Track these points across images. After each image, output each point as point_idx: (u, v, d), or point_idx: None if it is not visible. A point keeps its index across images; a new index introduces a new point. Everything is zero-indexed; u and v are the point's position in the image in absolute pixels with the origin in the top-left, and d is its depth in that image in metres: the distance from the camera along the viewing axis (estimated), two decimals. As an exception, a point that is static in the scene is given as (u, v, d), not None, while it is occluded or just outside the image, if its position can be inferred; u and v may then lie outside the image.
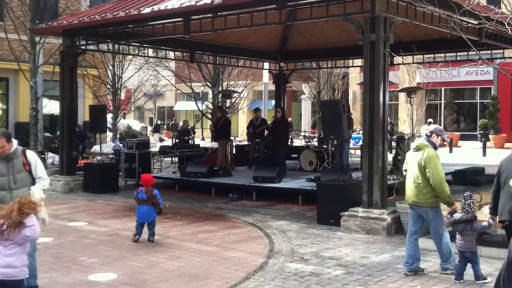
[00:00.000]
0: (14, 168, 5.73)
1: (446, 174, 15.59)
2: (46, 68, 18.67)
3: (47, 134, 20.80)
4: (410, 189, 6.96)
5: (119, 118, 25.72)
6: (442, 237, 6.87)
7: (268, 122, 17.65)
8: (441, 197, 6.75)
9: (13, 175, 5.71)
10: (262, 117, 18.54)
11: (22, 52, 19.34)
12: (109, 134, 26.03)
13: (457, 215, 6.57)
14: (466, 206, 6.56)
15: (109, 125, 22.62)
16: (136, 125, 37.11)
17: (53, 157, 17.40)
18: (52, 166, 16.23)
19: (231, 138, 18.24)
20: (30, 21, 17.55)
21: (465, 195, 6.67)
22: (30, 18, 17.72)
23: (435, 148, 6.94)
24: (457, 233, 6.59)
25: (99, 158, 15.59)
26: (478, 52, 8.00)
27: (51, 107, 23.17)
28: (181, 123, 31.00)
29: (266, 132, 17.29)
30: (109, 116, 23.16)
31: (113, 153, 17.80)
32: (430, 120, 21.31)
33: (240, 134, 32.36)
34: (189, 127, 23.69)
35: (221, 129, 16.89)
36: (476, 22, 9.74)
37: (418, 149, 6.92)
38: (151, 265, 7.32)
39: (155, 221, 8.75)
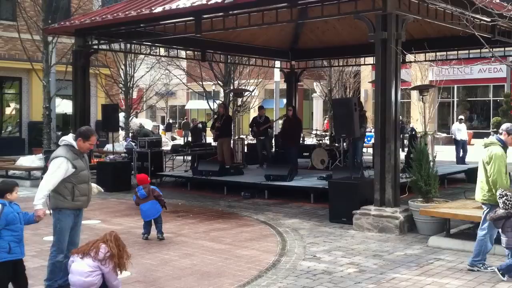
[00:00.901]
0: (87, 163, 6.32)
1: (459, 172, 15.68)
2: (58, 67, 18.81)
3: (60, 133, 20.91)
4: (476, 186, 6.97)
5: (131, 117, 25.83)
6: (481, 233, 6.87)
7: (275, 120, 17.61)
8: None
9: (88, 169, 6.33)
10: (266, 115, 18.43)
11: (35, 51, 19.49)
12: (122, 133, 26.16)
13: (499, 211, 6.49)
14: (502, 204, 6.46)
15: (121, 124, 22.72)
16: (148, 124, 37.27)
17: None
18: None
19: (242, 136, 18.22)
20: (43, 21, 17.68)
21: (499, 193, 6.54)
22: (43, 18, 17.85)
23: (505, 146, 6.83)
24: (500, 231, 6.55)
25: (111, 156, 15.66)
26: (491, 49, 7.97)
27: (64, 106, 23.34)
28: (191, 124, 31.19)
29: (269, 130, 17.26)
30: (121, 115, 23.26)
31: (126, 152, 17.88)
32: (461, 117, 21.18)
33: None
34: (199, 124, 23.81)
35: (224, 127, 16.72)
36: (489, 19, 9.67)
37: (485, 146, 6.88)
38: (164, 262, 7.35)
39: (161, 217, 8.78)
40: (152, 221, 8.77)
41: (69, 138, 6.16)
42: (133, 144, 18.30)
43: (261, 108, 18.19)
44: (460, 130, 19.26)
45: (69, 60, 16.97)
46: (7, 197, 5.59)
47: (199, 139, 22.12)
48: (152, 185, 9.22)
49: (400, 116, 11.58)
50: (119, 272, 5.65)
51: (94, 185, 6.53)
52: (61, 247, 6.14)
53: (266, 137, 17.27)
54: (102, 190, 6.76)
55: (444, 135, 32.37)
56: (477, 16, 7.93)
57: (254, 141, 18.74)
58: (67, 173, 5.98)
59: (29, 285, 6.35)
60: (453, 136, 19.59)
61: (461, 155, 18.69)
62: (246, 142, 19.44)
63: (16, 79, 24.75)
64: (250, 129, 17.62)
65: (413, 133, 23.80)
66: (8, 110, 25.78)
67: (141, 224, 8.92)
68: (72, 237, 6.24)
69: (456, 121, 20.97)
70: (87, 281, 5.44)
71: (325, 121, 35.12)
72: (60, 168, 5.94)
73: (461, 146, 18.79)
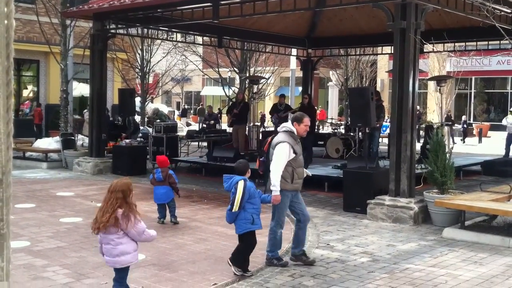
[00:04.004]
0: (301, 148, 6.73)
1: (475, 164, 15.60)
2: (76, 51, 18.90)
3: (77, 116, 21.08)
4: None
5: (147, 102, 25.93)
6: None
7: (293, 108, 17.57)
8: None
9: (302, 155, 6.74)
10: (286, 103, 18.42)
11: (53, 35, 19.58)
12: (137, 118, 26.29)
13: None
14: None
15: (137, 108, 22.85)
16: (164, 110, 37.40)
17: (82, 139, 17.68)
18: (82, 148, 16.49)
19: (257, 123, 18.22)
20: (61, 4, 17.74)
21: None
22: (61, 2, 17.90)
23: None
24: None
25: (127, 141, 15.77)
26: (511, 41, 7.88)
27: (80, 89, 23.49)
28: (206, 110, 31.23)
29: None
30: (137, 100, 23.37)
31: (141, 137, 17.98)
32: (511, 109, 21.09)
33: (267, 121, 32.35)
34: (212, 112, 23.83)
35: (241, 113, 16.65)
36: (509, 10, 9.58)
37: None
38: (178, 247, 7.42)
39: (174, 202, 8.85)
40: (166, 205, 8.84)
41: (290, 125, 6.66)
42: (149, 129, 18.39)
43: (282, 96, 18.16)
44: None
45: (86, 44, 17.05)
46: (247, 174, 6.33)
47: (214, 125, 22.15)
48: (170, 170, 9.24)
49: (418, 107, 11.51)
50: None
51: (304, 170, 6.85)
52: (280, 223, 6.67)
53: None
54: (310, 175, 7.10)
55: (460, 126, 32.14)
56: (498, 6, 7.86)
57: (272, 129, 18.74)
58: (289, 157, 6.44)
59: (46, 266, 6.47)
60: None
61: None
62: (261, 130, 19.45)
63: (34, 61, 24.93)
64: (271, 116, 17.60)
65: (465, 126, 23.67)
66: (25, 93, 26.01)
67: (155, 209, 8.99)
68: (303, 211, 6.75)
69: (509, 114, 20.40)
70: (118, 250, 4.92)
71: (318, 111, 34.20)
72: (284, 152, 6.42)
73: None
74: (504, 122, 19.64)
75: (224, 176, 6.46)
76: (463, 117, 30.87)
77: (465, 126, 29.44)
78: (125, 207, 4.79)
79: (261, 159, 7.06)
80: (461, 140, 28.36)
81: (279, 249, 6.74)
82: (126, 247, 4.83)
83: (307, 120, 6.67)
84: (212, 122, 21.52)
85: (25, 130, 21.96)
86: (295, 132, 6.59)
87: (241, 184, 6.13)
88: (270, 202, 6.48)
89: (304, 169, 6.86)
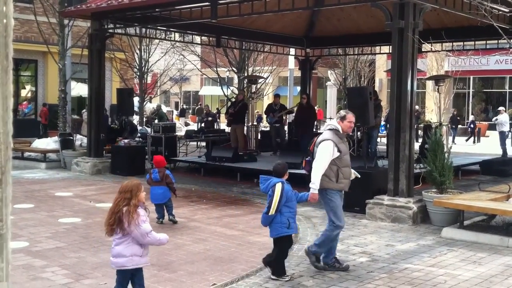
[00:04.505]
0: (347, 148, 6.65)
1: (473, 164, 15.60)
2: (74, 51, 18.88)
3: (75, 116, 21.05)
4: None
5: (145, 101, 25.91)
6: None
7: (288, 108, 17.61)
8: None
9: (348, 154, 6.64)
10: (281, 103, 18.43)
11: (51, 34, 19.56)
12: (136, 118, 26.27)
13: None
14: None
15: (135, 108, 22.83)
16: (162, 109, 37.33)
17: (81, 139, 17.66)
18: (80, 148, 16.46)
19: (255, 123, 18.24)
20: (59, 4, 17.71)
21: None
22: (59, 1, 17.88)
23: None
24: None
25: (126, 141, 15.76)
26: (509, 40, 7.88)
27: (79, 89, 23.46)
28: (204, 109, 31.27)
29: (285, 117, 17.26)
30: (136, 100, 23.34)
31: (140, 137, 17.97)
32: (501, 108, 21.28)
33: (263, 121, 32.35)
34: (208, 118, 23.85)
35: (239, 113, 16.67)
36: (507, 10, 9.58)
37: None
38: (177, 247, 7.41)
39: (171, 201, 8.83)
40: (163, 205, 8.83)
41: (334, 122, 6.53)
42: (148, 129, 18.37)
43: (276, 96, 18.18)
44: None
45: (84, 43, 17.03)
46: (285, 176, 6.20)
47: (212, 125, 22.14)
48: (167, 170, 9.26)
49: (416, 107, 11.51)
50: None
51: (352, 171, 6.70)
52: (339, 223, 6.47)
53: (280, 124, 17.26)
54: (359, 176, 6.90)
55: (460, 126, 32.13)
56: (496, 6, 7.86)
57: (268, 128, 18.76)
58: (333, 155, 6.32)
59: (45, 266, 6.46)
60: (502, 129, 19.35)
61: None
62: (259, 129, 19.45)
63: (32, 61, 24.91)
64: (266, 115, 17.63)
65: (472, 126, 23.67)
66: (23, 92, 25.97)
67: (152, 209, 8.96)
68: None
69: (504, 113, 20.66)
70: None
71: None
72: (327, 150, 6.32)
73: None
74: (499, 119, 19.78)
75: (261, 176, 6.33)
76: (471, 117, 30.43)
77: (472, 126, 28.94)
78: (129, 206, 4.72)
79: (307, 158, 6.84)
80: (466, 140, 27.84)
81: (333, 255, 6.53)
82: (123, 250, 4.70)
83: (350, 117, 6.52)
84: (210, 119, 21.50)
85: (25, 129, 21.95)
86: (340, 130, 6.47)
87: (278, 187, 6.01)
88: (307, 200, 6.37)
89: (352, 170, 6.71)
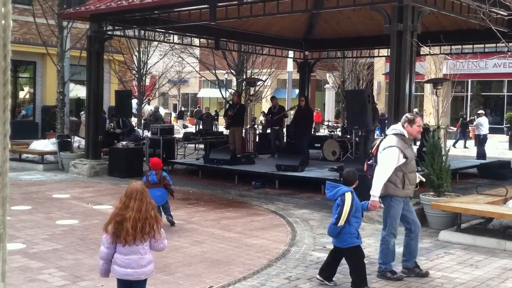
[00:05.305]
0: (413, 152, 6.48)
1: (471, 167, 15.62)
2: (73, 52, 18.88)
3: (73, 118, 21.05)
4: None
5: (143, 104, 25.93)
6: None
7: (286, 110, 17.63)
8: None
9: (414, 159, 6.45)
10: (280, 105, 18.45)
11: (49, 36, 19.56)
12: (134, 120, 26.29)
13: None
14: None
15: (134, 110, 22.83)
16: (161, 111, 37.29)
17: (79, 141, 17.65)
18: (78, 149, 16.45)
19: (254, 126, 18.26)
20: (58, 6, 17.72)
21: None
22: (58, 3, 17.88)
23: None
24: None
25: (124, 143, 15.75)
26: (507, 44, 7.90)
27: (77, 91, 23.46)
28: (204, 111, 31.32)
29: (285, 119, 17.29)
30: (134, 102, 23.35)
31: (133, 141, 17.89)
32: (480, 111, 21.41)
33: (258, 123, 32.37)
34: (204, 115, 23.90)
35: (237, 115, 16.69)
36: (505, 13, 9.59)
37: None
38: (175, 249, 7.40)
39: (168, 203, 8.83)
40: (161, 207, 8.81)
41: (399, 127, 6.29)
42: (140, 131, 18.36)
43: (273, 98, 18.20)
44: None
45: (83, 45, 17.04)
46: (354, 185, 5.98)
47: (210, 127, 22.15)
48: (164, 171, 9.26)
49: (415, 110, 11.53)
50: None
51: (417, 174, 6.53)
52: (394, 232, 6.34)
53: (280, 127, 17.26)
54: (424, 180, 6.76)
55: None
56: (494, 9, 7.87)
57: (268, 131, 18.77)
58: (398, 162, 6.13)
59: (42, 268, 6.45)
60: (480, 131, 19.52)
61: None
62: (258, 132, 19.46)
63: (30, 63, 24.89)
64: (265, 119, 17.67)
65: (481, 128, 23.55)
66: (22, 94, 25.96)
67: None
68: (414, 220, 6.46)
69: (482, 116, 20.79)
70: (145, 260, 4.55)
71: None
72: (393, 158, 6.11)
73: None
74: (478, 122, 19.92)
75: (328, 183, 6.12)
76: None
77: (467, 130, 28.43)
78: (154, 211, 4.56)
79: (369, 162, 6.60)
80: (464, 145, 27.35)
81: (392, 260, 6.37)
82: (151, 257, 4.59)
83: (419, 120, 6.34)
84: (206, 115, 21.48)
85: (23, 131, 21.93)
86: (406, 135, 6.25)
87: (349, 197, 5.80)
88: (368, 209, 6.20)
89: (417, 174, 6.53)
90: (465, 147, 26.71)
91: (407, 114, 6.54)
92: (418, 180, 6.55)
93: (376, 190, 6.07)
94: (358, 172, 6.21)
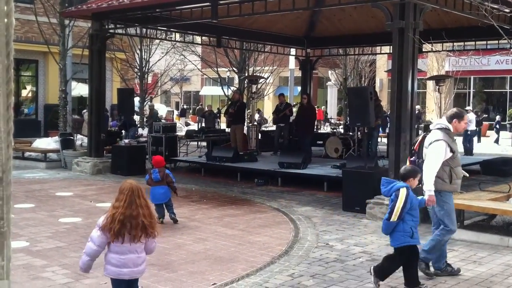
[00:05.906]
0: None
1: (474, 163, 15.61)
2: (75, 51, 18.90)
3: (76, 116, 21.08)
4: None
5: (146, 101, 25.95)
6: None
7: (292, 107, 17.62)
8: None
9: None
10: (286, 102, 18.45)
11: (51, 35, 19.57)
12: (136, 118, 26.32)
13: None
14: None
15: (136, 108, 22.85)
16: (163, 109, 37.34)
17: (81, 139, 17.67)
18: (81, 148, 16.48)
19: (255, 123, 18.25)
20: (60, 4, 17.73)
21: None
22: (60, 1, 17.89)
23: None
24: None
25: (126, 141, 15.78)
26: (509, 40, 7.89)
27: (79, 89, 23.48)
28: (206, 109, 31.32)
29: (290, 116, 17.26)
30: (136, 100, 23.37)
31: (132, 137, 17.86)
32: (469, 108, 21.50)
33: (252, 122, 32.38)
34: (206, 112, 23.91)
35: (238, 113, 16.68)
36: (508, 10, 9.59)
37: None
38: (178, 246, 7.41)
39: (171, 201, 8.82)
40: (163, 204, 8.82)
41: (445, 121, 6.27)
42: (140, 129, 18.34)
43: (281, 95, 18.17)
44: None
45: (85, 43, 17.04)
46: (410, 181, 5.79)
47: (213, 125, 22.16)
48: (167, 169, 9.27)
49: (418, 106, 11.52)
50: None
51: (461, 169, 6.46)
52: (452, 227, 6.29)
53: (285, 124, 17.21)
54: (467, 175, 6.69)
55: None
56: (496, 6, 7.87)
57: (269, 128, 18.78)
58: (445, 156, 6.10)
59: (46, 266, 6.46)
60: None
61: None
62: (260, 129, 19.46)
63: (32, 61, 24.92)
64: (273, 116, 17.66)
65: (497, 127, 23.48)
66: (24, 93, 26.00)
67: (154, 208, 8.98)
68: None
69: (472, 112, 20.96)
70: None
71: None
72: (440, 151, 6.07)
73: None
74: (469, 118, 19.99)
75: (383, 179, 5.98)
76: (497, 117, 29.08)
77: (497, 126, 27.52)
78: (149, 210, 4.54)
79: (411, 158, 6.54)
80: (495, 142, 26.34)
81: (444, 259, 6.34)
82: (145, 256, 4.55)
83: (466, 117, 6.39)
84: (208, 113, 21.50)
85: (26, 130, 21.97)
86: (451, 129, 6.23)
87: (403, 192, 5.61)
88: (425, 205, 6.06)
89: (461, 169, 6.44)
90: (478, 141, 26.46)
91: (456, 110, 6.45)
92: (461, 175, 6.49)
93: (429, 184, 5.98)
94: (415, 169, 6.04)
